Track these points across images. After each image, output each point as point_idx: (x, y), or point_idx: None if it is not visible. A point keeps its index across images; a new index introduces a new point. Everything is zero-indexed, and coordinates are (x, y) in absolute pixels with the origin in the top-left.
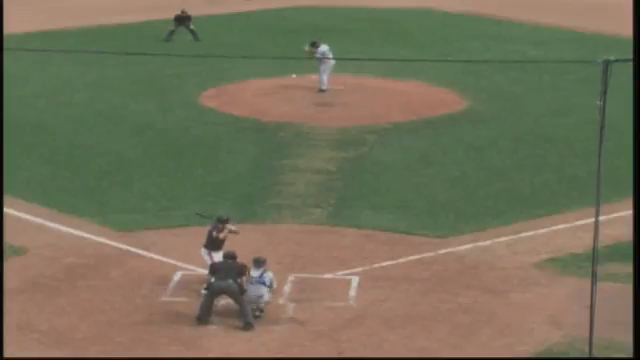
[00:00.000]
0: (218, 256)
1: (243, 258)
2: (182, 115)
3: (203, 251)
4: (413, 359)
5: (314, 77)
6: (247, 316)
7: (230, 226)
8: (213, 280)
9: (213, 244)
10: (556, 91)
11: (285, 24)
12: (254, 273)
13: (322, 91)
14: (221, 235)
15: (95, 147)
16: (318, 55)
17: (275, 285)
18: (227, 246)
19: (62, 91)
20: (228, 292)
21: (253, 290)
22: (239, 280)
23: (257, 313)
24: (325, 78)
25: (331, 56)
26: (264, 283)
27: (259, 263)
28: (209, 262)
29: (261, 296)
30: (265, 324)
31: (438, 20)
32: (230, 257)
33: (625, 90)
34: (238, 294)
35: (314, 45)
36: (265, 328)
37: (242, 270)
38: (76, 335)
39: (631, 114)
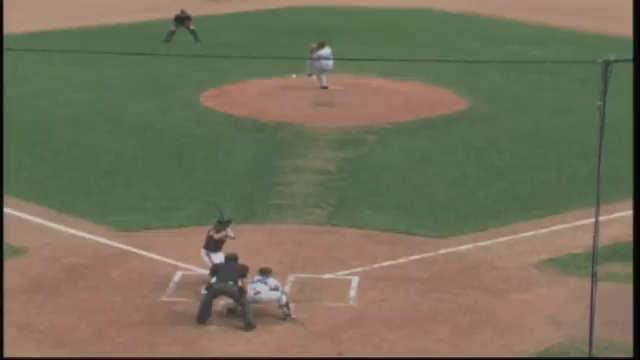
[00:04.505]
0: (217, 257)
1: (243, 258)
2: (182, 115)
3: (202, 252)
4: (413, 359)
5: (314, 77)
6: (248, 316)
7: (229, 230)
8: (213, 281)
9: (211, 245)
10: (556, 91)
11: (285, 24)
12: (257, 277)
13: (324, 87)
14: (216, 236)
15: (95, 147)
16: (324, 55)
17: (281, 288)
18: (227, 246)
19: (62, 91)
20: (228, 293)
21: (252, 288)
22: (240, 282)
23: (284, 313)
24: (324, 77)
25: (331, 57)
26: (265, 283)
27: (265, 273)
28: (208, 263)
29: (258, 292)
30: (265, 324)
31: (438, 20)
32: (231, 259)
33: (625, 90)
34: (238, 295)
35: (321, 45)
36: (265, 328)
37: (243, 272)
38: (76, 335)
39: (631, 114)
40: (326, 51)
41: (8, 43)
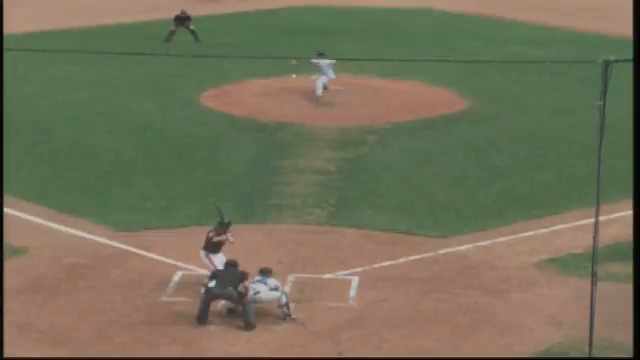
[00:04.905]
0: (216, 258)
1: (243, 258)
2: (182, 115)
3: (202, 253)
4: (413, 359)
5: (313, 77)
6: (248, 316)
7: (229, 235)
8: (213, 285)
9: (210, 246)
10: (556, 91)
11: (284, 24)
12: (257, 277)
13: (324, 88)
14: (215, 238)
15: (95, 147)
16: (325, 64)
17: (281, 288)
18: (228, 247)
19: (62, 91)
20: (227, 298)
21: (252, 288)
22: (240, 286)
23: (284, 313)
24: (320, 85)
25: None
26: (265, 283)
27: (265, 273)
28: (209, 265)
29: (258, 292)
30: (265, 324)
31: (438, 20)
32: (232, 265)
33: (625, 90)
34: (237, 299)
35: (320, 55)
36: (265, 328)
37: (243, 277)
38: (76, 335)
39: (631, 114)
40: (325, 61)
41: (8, 43)
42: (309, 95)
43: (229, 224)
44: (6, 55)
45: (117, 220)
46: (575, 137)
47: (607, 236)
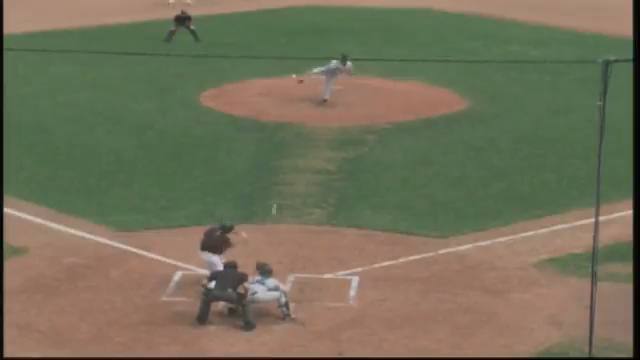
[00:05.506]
0: (215, 258)
1: (243, 258)
2: (182, 115)
3: (198, 252)
4: (413, 359)
5: (315, 70)
6: (248, 316)
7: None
8: (212, 286)
9: (205, 246)
10: (556, 91)
11: (285, 24)
12: (257, 277)
13: (324, 101)
14: (224, 243)
15: (95, 147)
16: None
17: (282, 287)
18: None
19: (62, 91)
20: (226, 300)
21: (250, 289)
22: (239, 288)
23: (284, 313)
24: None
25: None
26: (263, 284)
27: (265, 273)
28: (207, 261)
29: (255, 293)
30: (265, 324)
31: (438, 20)
32: (231, 266)
33: (625, 90)
34: (237, 301)
35: (344, 59)
36: (265, 328)
37: (242, 279)
38: (76, 335)
39: (631, 114)
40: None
41: (8, 43)
42: (309, 95)
43: (231, 228)
44: (6, 55)
45: (117, 220)
46: (575, 137)
47: (607, 236)
